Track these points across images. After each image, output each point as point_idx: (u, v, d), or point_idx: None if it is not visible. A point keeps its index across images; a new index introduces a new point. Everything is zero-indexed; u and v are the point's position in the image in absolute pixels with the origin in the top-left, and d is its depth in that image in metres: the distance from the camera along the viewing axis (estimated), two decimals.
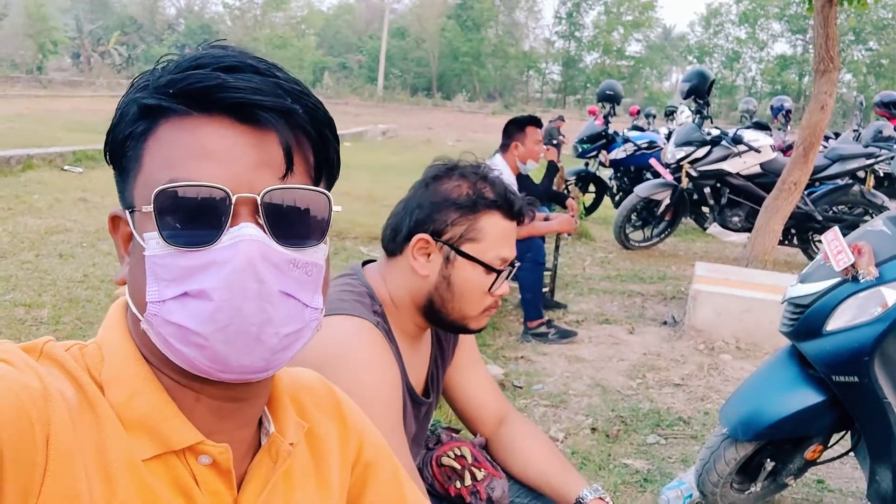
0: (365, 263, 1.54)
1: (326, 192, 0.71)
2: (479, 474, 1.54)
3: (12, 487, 0.57)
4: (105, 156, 0.71)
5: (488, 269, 1.40)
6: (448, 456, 1.57)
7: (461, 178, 1.42)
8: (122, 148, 0.69)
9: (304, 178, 0.70)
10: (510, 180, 4.49)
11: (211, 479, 0.71)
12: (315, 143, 0.70)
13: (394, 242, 1.45)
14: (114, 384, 0.69)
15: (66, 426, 0.62)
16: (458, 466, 1.55)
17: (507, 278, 1.45)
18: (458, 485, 1.54)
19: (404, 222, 1.43)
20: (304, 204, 0.69)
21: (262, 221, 0.66)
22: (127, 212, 0.69)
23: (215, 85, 0.65)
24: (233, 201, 0.65)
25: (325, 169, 0.73)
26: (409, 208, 1.43)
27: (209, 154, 0.65)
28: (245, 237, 0.64)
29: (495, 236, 1.41)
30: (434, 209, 1.40)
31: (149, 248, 0.65)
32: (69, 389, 0.65)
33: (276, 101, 0.66)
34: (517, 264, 1.48)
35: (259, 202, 0.66)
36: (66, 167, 9.01)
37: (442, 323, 1.46)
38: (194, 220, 0.65)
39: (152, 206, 0.64)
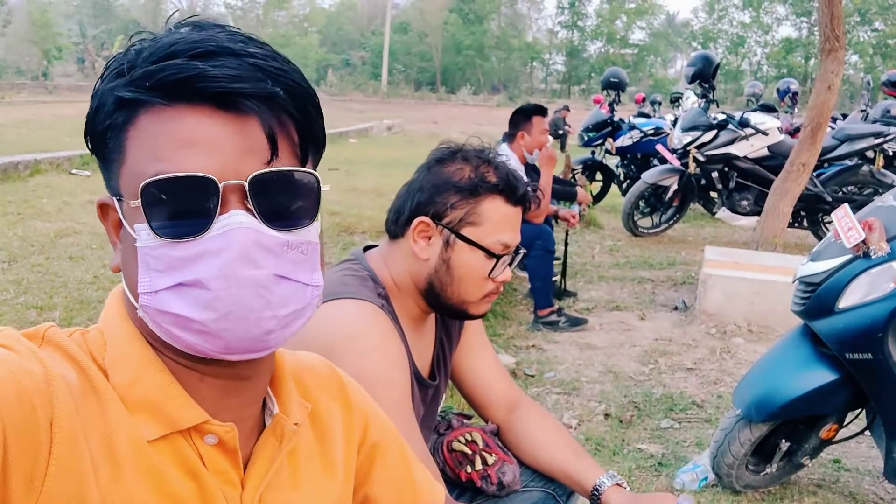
0: (366, 249, 1.54)
1: (313, 171, 0.71)
2: (490, 459, 1.53)
3: (18, 471, 0.57)
4: (86, 144, 0.71)
5: (488, 253, 1.39)
6: (459, 441, 1.56)
7: (464, 162, 1.41)
8: (103, 139, 0.68)
9: (290, 159, 0.69)
10: (518, 170, 4.47)
11: (217, 458, 0.71)
12: (298, 122, 0.69)
13: (396, 225, 1.45)
14: (117, 367, 0.69)
15: (70, 410, 0.62)
16: (469, 451, 1.55)
17: (510, 265, 1.44)
18: (469, 469, 1.53)
19: (406, 205, 1.42)
20: (293, 185, 0.69)
21: (251, 206, 0.66)
22: (115, 199, 0.69)
23: (193, 76, 0.64)
24: (220, 189, 0.64)
25: (311, 145, 0.72)
26: (411, 191, 1.43)
27: (193, 144, 0.64)
28: (236, 225, 0.64)
29: (496, 221, 1.39)
30: (435, 192, 1.39)
31: (140, 239, 0.65)
32: (71, 374, 0.65)
33: (256, 86, 0.65)
34: (522, 251, 1.47)
35: (247, 188, 0.65)
36: (73, 171, 9.03)
37: (442, 307, 1.45)
38: (183, 210, 0.64)
39: (140, 199, 0.64)
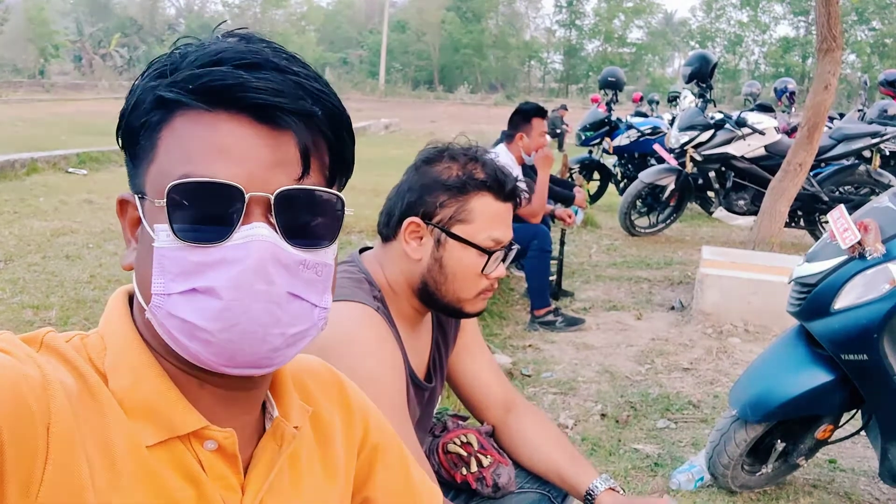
0: (362, 251, 1.54)
1: (340, 194, 0.71)
2: (485, 461, 1.54)
3: (14, 477, 0.56)
4: (117, 139, 0.71)
5: (480, 250, 1.39)
6: (454, 443, 1.57)
7: (451, 161, 1.41)
8: (136, 135, 0.68)
9: (318, 179, 0.70)
10: (515, 171, 4.45)
11: (217, 464, 0.71)
12: (332, 144, 0.70)
13: (387, 227, 1.45)
14: (117, 372, 0.69)
15: (67, 415, 0.61)
16: (465, 453, 1.55)
17: (503, 261, 1.44)
18: (464, 471, 1.53)
19: (397, 206, 1.43)
20: (318, 205, 0.69)
21: (273, 221, 0.66)
22: (137, 197, 0.69)
23: (236, 84, 0.64)
24: (246, 199, 0.65)
25: (340, 169, 0.73)
26: (401, 192, 1.43)
27: (226, 151, 0.65)
28: (256, 237, 0.64)
29: (486, 217, 1.39)
30: (424, 192, 1.40)
31: (158, 239, 0.65)
32: (69, 379, 0.65)
33: (296, 103, 0.66)
34: (515, 247, 1.47)
35: (272, 202, 0.66)
36: (70, 169, 9.03)
37: (437, 306, 1.45)
38: (206, 216, 0.65)
39: (165, 200, 0.64)
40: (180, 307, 0.65)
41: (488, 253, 1.40)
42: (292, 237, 0.67)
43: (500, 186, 1.40)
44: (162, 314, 0.66)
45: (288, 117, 0.66)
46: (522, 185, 1.47)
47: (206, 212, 0.65)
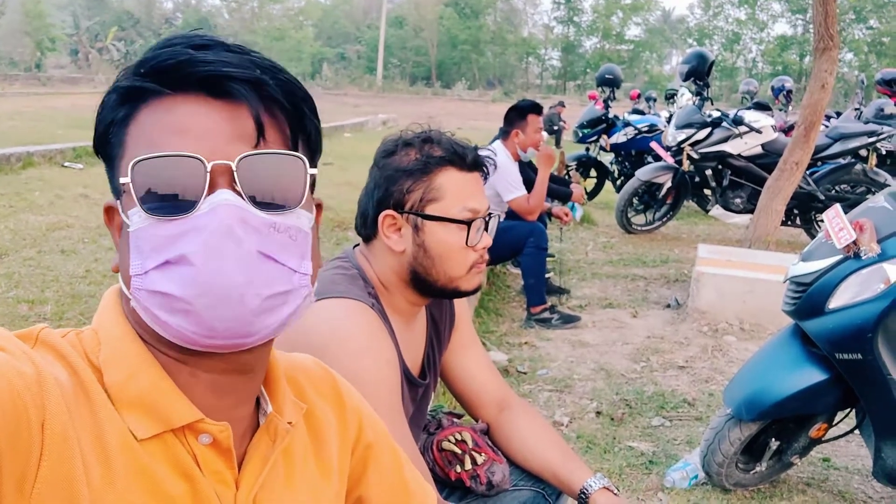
0: (356, 246, 1.55)
1: (300, 154, 0.71)
2: (480, 458, 1.54)
3: (9, 473, 0.57)
4: (96, 151, 0.73)
5: (458, 223, 1.40)
6: (449, 440, 1.57)
7: (407, 147, 1.43)
8: (107, 136, 0.70)
9: (279, 147, 0.71)
10: (511, 167, 4.47)
11: (211, 458, 0.71)
12: (290, 115, 0.71)
13: (365, 227, 1.47)
14: (112, 366, 0.69)
15: (62, 411, 0.61)
16: (459, 451, 1.55)
17: (485, 230, 1.44)
18: (459, 469, 1.54)
19: (368, 206, 1.44)
20: (280, 168, 0.70)
21: (239, 189, 0.67)
22: (118, 201, 0.71)
23: (185, 60, 0.66)
24: (208, 168, 0.66)
25: (303, 140, 0.73)
26: (368, 191, 1.45)
27: (186, 130, 0.67)
28: (221, 202, 0.65)
29: (455, 190, 1.40)
30: (390, 183, 1.41)
31: (132, 223, 0.67)
32: (64, 375, 0.65)
33: (245, 72, 0.67)
34: (495, 214, 1.48)
35: (234, 168, 0.66)
36: (66, 164, 8.98)
37: (433, 292, 1.46)
38: (172, 190, 0.66)
39: (129, 177, 0.65)
40: (157, 281, 0.65)
41: (467, 223, 1.40)
42: (258, 201, 0.68)
43: (460, 158, 1.41)
44: (143, 295, 0.66)
45: (239, 85, 0.67)
46: (485, 153, 1.47)
47: (172, 186, 0.66)
